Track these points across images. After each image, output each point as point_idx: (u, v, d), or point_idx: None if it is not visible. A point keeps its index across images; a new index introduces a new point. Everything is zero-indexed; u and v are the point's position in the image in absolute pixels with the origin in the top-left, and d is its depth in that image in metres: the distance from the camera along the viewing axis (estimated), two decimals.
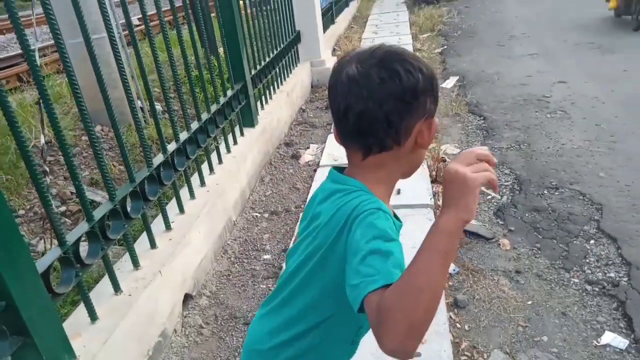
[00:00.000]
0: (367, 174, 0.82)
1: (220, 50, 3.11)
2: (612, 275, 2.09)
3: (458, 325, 1.90)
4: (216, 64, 3.02)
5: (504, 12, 8.53)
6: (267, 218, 2.78)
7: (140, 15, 2.04)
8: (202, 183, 2.45)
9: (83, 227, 1.53)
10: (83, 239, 1.52)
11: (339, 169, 0.88)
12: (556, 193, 2.76)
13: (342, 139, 0.84)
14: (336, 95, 0.80)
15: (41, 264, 1.32)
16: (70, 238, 1.45)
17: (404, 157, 0.81)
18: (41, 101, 1.43)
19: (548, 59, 5.38)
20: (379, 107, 0.75)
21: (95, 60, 1.63)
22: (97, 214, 1.58)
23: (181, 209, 2.18)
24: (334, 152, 3.45)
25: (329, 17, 6.88)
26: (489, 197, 2.81)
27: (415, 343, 0.60)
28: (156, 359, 1.73)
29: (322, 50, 5.14)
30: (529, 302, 2.00)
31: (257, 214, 2.84)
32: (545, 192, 2.79)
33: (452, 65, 5.62)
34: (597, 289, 2.03)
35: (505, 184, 2.93)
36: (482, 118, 3.99)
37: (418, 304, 0.59)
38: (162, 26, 2.17)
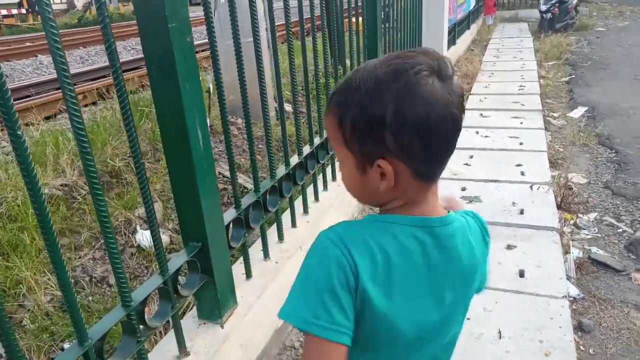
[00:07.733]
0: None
1: (347, 61, 3.27)
2: None
3: (582, 348, 1.88)
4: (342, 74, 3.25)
5: None
6: None
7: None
8: (334, 178, 2.67)
9: (251, 196, 1.78)
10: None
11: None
12: None
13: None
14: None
15: (224, 219, 1.58)
16: (244, 202, 1.71)
17: None
18: (216, 89, 1.57)
19: None
20: None
21: (260, 61, 1.77)
22: (262, 188, 1.83)
23: (317, 198, 2.41)
24: (452, 167, 3.50)
25: (450, 38, 6.92)
26: (620, 230, 2.69)
27: None
28: None
29: None
30: None
31: (371, 211, 2.99)
32: None
33: (580, 95, 5.38)
34: None
35: None
36: (613, 151, 3.79)
37: None
38: (302, 34, 2.19)
